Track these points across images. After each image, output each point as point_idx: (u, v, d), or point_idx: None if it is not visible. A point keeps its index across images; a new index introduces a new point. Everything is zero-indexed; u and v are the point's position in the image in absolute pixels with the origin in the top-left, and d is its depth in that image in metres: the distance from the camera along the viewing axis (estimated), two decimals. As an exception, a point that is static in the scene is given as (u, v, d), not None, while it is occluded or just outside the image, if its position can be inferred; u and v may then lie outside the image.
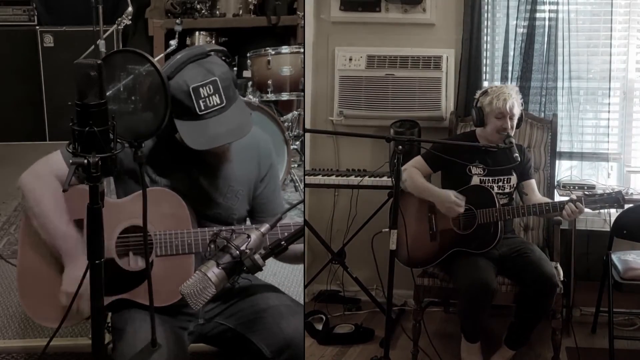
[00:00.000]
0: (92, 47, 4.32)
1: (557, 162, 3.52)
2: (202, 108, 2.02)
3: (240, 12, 5.91)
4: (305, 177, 3.77)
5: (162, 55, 4.98)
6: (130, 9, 4.50)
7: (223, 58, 2.14)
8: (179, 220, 2.17)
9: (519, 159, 2.98)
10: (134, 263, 2.16)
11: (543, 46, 3.56)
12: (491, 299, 2.93)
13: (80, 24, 5.43)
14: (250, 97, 4.69)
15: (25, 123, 5.86)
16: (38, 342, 2.83)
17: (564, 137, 3.61)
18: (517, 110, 3.08)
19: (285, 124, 4.69)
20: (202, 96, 2.01)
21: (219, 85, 2.03)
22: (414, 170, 3.14)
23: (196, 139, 2.03)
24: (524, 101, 3.27)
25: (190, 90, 2.00)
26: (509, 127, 3.04)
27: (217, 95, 2.02)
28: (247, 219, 2.40)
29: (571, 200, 2.93)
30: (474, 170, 3.12)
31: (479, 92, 3.21)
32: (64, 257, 2.13)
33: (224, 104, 2.04)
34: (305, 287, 3.47)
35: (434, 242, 3.11)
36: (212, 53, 2.10)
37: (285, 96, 4.77)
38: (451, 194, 3.03)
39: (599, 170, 3.67)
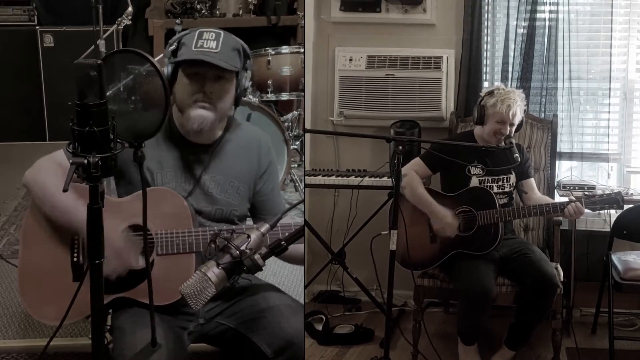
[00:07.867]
0: (92, 47, 4.32)
1: (557, 162, 3.52)
2: (197, 45, 2.15)
3: (240, 12, 5.91)
4: (305, 177, 3.76)
5: (162, 55, 4.97)
6: (130, 9, 4.50)
7: None
8: (181, 220, 2.17)
9: (519, 160, 2.98)
10: (135, 262, 2.16)
11: (543, 47, 3.56)
12: (490, 305, 2.93)
13: (80, 24, 5.43)
14: (250, 97, 4.68)
15: (25, 123, 5.86)
16: (38, 342, 2.83)
17: (564, 137, 3.61)
18: (518, 118, 3.07)
19: (285, 124, 4.69)
20: (203, 38, 2.17)
21: (222, 39, 2.16)
22: (414, 178, 3.10)
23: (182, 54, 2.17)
24: (524, 102, 3.28)
25: (196, 33, 2.18)
26: (507, 132, 3.04)
27: (215, 42, 2.16)
28: (248, 217, 2.41)
29: (573, 201, 2.92)
30: (473, 170, 3.11)
31: (485, 90, 3.20)
32: (81, 232, 2.09)
33: (218, 51, 2.15)
34: (305, 287, 3.47)
35: (434, 244, 3.09)
36: None
37: (285, 96, 4.76)
38: (449, 215, 3.03)
39: (599, 171, 3.67)
